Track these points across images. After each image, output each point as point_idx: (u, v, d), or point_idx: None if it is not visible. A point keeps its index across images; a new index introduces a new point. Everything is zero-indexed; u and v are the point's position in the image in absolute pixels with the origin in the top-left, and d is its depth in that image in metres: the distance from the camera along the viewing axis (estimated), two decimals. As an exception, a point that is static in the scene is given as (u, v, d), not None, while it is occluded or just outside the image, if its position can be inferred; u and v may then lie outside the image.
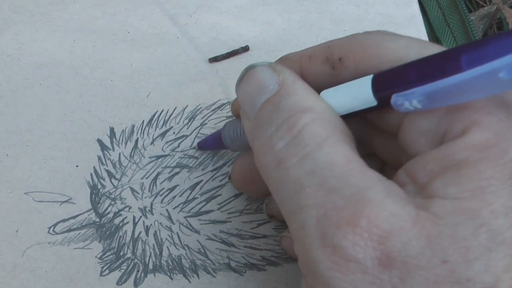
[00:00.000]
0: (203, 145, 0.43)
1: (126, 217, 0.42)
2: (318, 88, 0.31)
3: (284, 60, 0.34)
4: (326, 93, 0.30)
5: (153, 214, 0.41)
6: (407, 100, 0.27)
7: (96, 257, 0.41)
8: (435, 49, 0.28)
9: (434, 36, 0.50)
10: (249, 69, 0.31)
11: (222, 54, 0.45)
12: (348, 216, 0.25)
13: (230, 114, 0.44)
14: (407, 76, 0.27)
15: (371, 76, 0.29)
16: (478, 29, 0.55)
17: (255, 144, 0.30)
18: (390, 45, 0.30)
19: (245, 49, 0.45)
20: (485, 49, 0.25)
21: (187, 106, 0.44)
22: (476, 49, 0.25)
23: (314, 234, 0.26)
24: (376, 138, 0.34)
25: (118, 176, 0.42)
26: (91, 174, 0.42)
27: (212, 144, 0.42)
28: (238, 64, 0.45)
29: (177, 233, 0.41)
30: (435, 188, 0.25)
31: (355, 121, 0.32)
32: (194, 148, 0.43)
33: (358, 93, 0.29)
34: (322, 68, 0.32)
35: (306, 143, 0.27)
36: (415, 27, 0.47)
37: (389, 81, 0.28)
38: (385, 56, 0.29)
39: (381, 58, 0.29)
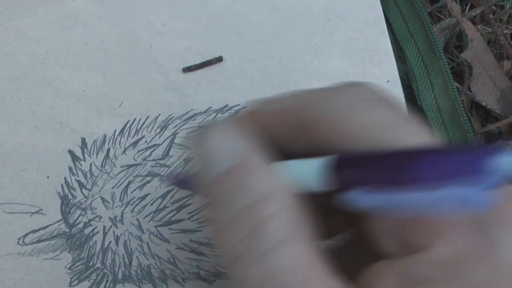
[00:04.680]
0: (177, 183, 0.35)
1: (96, 227, 0.37)
2: (284, 147, 0.26)
3: (249, 115, 0.28)
4: (284, 165, 0.24)
5: (123, 224, 0.37)
6: (360, 201, 0.22)
7: (65, 267, 0.36)
8: (411, 131, 0.23)
9: (398, 46, 0.46)
10: (203, 133, 0.25)
11: (196, 64, 0.41)
12: None
13: (202, 124, 0.40)
14: (363, 175, 0.22)
15: (324, 159, 0.23)
16: (440, 40, 0.52)
17: (212, 224, 0.24)
18: (364, 118, 0.24)
19: (219, 59, 0.41)
20: (446, 161, 0.19)
21: (159, 115, 0.40)
22: (436, 159, 0.20)
23: None
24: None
25: (89, 186, 0.38)
26: (62, 185, 0.38)
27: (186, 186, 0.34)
28: (212, 74, 0.41)
29: (147, 242, 0.37)
30: None
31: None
32: (166, 157, 0.39)
33: (312, 174, 0.23)
34: (290, 129, 0.26)
35: (266, 239, 0.22)
36: (383, 43, 0.43)
37: (344, 172, 0.23)
38: (355, 130, 0.24)
39: (351, 131, 0.24)
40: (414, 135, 0.23)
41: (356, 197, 0.22)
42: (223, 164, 0.23)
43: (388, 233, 0.23)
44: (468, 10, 0.53)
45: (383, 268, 0.22)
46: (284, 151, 0.26)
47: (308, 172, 0.24)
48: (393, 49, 0.43)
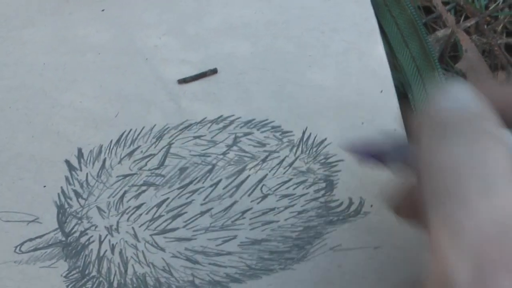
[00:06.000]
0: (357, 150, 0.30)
1: (92, 236, 0.38)
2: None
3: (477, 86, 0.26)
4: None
5: (119, 233, 0.38)
6: None
7: (61, 275, 0.37)
8: None
9: (393, 56, 0.47)
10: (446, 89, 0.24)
11: (191, 76, 0.41)
12: None
13: (197, 134, 0.40)
14: None
15: None
16: (435, 50, 0.52)
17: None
18: None
19: (214, 71, 0.42)
20: None
21: (155, 125, 0.40)
22: None
23: None
24: None
25: (85, 196, 0.38)
26: (58, 194, 0.38)
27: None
28: (207, 85, 0.41)
29: (142, 251, 0.37)
30: None
31: None
32: (161, 167, 0.39)
33: None
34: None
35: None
36: (377, 54, 0.43)
37: None
38: None
39: None
40: None
41: None
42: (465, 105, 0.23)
43: None
44: (463, 21, 0.54)
45: None
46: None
47: None
48: (388, 59, 0.43)
